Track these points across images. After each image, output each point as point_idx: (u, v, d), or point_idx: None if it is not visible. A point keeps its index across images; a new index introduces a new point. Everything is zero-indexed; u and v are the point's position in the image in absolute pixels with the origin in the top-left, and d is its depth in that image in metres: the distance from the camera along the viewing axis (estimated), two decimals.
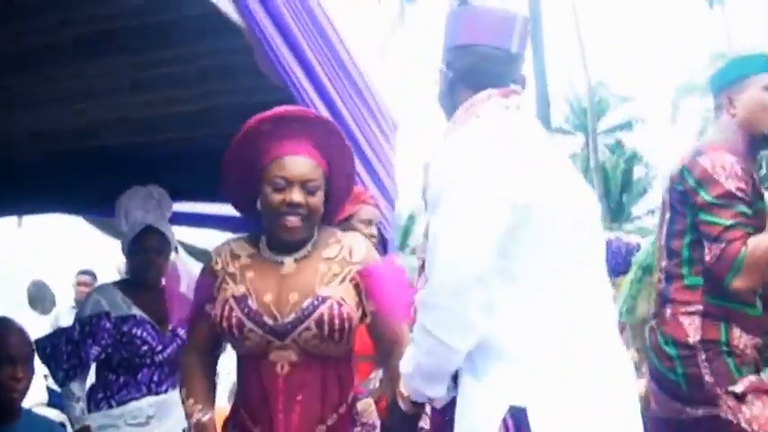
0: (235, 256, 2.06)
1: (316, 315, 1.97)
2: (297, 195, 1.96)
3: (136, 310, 3.11)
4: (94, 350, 3.04)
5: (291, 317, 1.98)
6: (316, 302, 1.99)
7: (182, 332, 3.01)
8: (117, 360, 3.08)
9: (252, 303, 1.98)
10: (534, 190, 1.59)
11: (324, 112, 2.64)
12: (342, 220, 2.77)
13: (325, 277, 2.04)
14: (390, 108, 3.46)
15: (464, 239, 1.55)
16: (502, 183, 1.57)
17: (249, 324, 1.97)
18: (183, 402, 2.07)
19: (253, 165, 2.00)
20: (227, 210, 4.02)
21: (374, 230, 2.90)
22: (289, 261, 2.04)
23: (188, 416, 2.04)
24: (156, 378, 3.11)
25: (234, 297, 1.99)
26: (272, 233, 2.05)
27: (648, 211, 35.85)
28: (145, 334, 3.09)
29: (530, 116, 1.82)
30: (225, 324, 1.97)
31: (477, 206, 1.55)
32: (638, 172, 36.63)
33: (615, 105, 29.11)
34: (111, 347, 3.06)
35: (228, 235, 2.72)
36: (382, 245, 3.68)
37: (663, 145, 32.35)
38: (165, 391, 3.12)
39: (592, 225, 1.71)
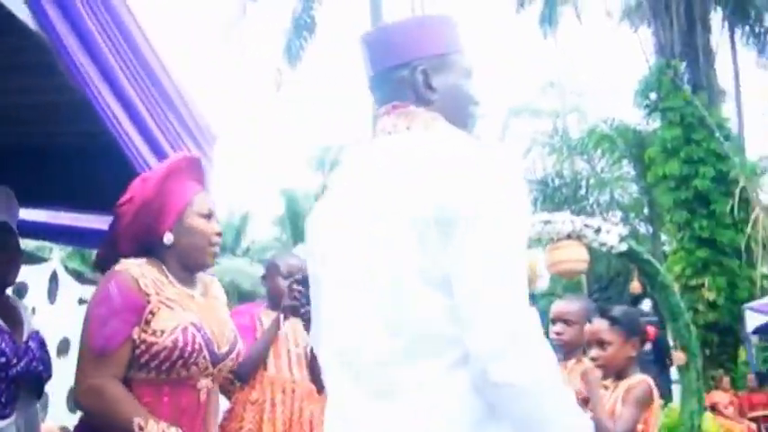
0: (161, 282, 2.05)
1: (237, 348, 2.20)
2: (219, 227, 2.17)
3: None
4: None
5: (226, 348, 2.14)
6: (235, 336, 2.21)
7: (33, 345, 2.59)
8: None
9: (207, 332, 2.06)
10: (314, 258, 1.67)
11: (126, 122, 2.47)
12: None
13: (223, 313, 2.24)
14: (208, 119, 3.29)
15: None
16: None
17: (205, 351, 2.05)
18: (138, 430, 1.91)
19: (172, 198, 2.09)
20: None
21: None
22: (197, 295, 2.16)
23: None
24: (3, 399, 2.53)
25: (193, 324, 2.03)
26: (189, 262, 2.13)
27: None
28: (3, 345, 2.54)
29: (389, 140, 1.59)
30: (188, 349, 1.99)
31: None
32: None
33: None
34: None
35: None
36: None
37: None
38: (10, 415, 2.55)
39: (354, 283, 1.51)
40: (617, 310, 3.06)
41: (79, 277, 6.90)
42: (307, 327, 3.09)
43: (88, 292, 4.52)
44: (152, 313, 1.99)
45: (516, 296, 1.35)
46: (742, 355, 14.61)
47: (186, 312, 2.04)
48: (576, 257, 5.81)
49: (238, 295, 33.54)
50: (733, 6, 18.62)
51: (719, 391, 11.50)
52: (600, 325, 3.02)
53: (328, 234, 1.60)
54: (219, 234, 2.15)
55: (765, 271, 14.53)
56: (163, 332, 1.97)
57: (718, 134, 14.71)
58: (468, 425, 1.36)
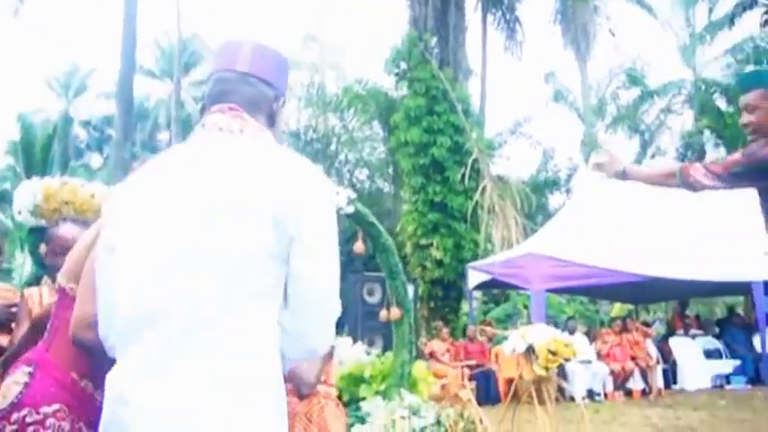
0: None
1: None
2: None
3: None
4: None
5: None
6: None
7: None
8: None
9: None
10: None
11: None
12: None
13: None
14: None
15: None
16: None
17: None
18: None
19: None
20: None
21: None
22: None
23: None
24: None
25: None
26: None
27: None
28: None
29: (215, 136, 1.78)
30: None
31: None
32: None
33: (208, 60, 29.17)
34: None
35: None
36: None
37: None
38: None
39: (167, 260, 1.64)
40: None
41: None
42: None
43: None
44: None
45: (336, 288, 1.71)
46: (464, 308, 15.97)
47: None
48: None
49: None
50: None
51: (438, 340, 12.45)
52: None
53: (147, 209, 1.69)
54: None
55: (494, 235, 15.89)
56: None
57: (458, 108, 15.75)
58: (275, 372, 1.65)
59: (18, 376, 1.93)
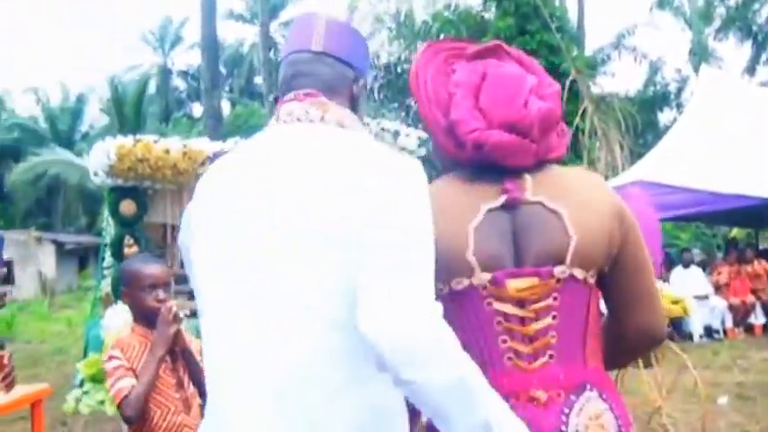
0: None
1: None
2: None
3: None
4: None
5: None
6: None
7: None
8: None
9: None
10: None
11: None
12: None
13: None
14: None
15: None
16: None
17: None
18: None
19: None
20: None
21: None
22: None
23: None
24: None
25: None
26: None
27: None
28: None
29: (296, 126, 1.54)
30: None
31: None
32: None
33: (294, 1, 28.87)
34: None
35: None
36: None
37: None
38: None
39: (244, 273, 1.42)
40: None
41: None
42: None
43: None
44: None
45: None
46: None
47: None
48: None
49: (65, 190, 31.48)
50: None
51: None
52: None
53: (218, 215, 1.50)
54: None
55: (598, 161, 14.95)
56: None
57: (552, 26, 14.66)
58: None
59: None
